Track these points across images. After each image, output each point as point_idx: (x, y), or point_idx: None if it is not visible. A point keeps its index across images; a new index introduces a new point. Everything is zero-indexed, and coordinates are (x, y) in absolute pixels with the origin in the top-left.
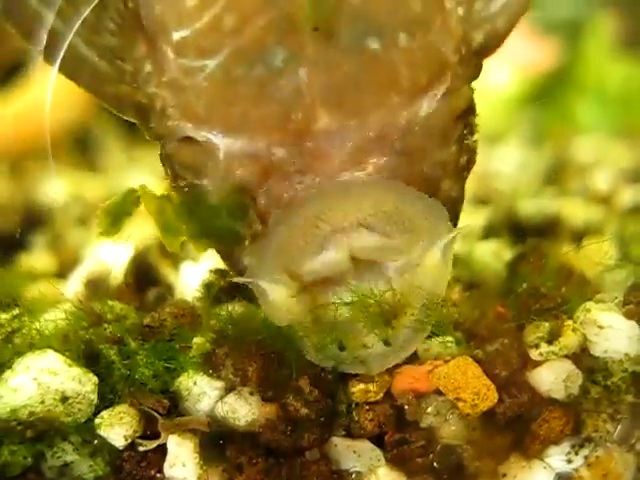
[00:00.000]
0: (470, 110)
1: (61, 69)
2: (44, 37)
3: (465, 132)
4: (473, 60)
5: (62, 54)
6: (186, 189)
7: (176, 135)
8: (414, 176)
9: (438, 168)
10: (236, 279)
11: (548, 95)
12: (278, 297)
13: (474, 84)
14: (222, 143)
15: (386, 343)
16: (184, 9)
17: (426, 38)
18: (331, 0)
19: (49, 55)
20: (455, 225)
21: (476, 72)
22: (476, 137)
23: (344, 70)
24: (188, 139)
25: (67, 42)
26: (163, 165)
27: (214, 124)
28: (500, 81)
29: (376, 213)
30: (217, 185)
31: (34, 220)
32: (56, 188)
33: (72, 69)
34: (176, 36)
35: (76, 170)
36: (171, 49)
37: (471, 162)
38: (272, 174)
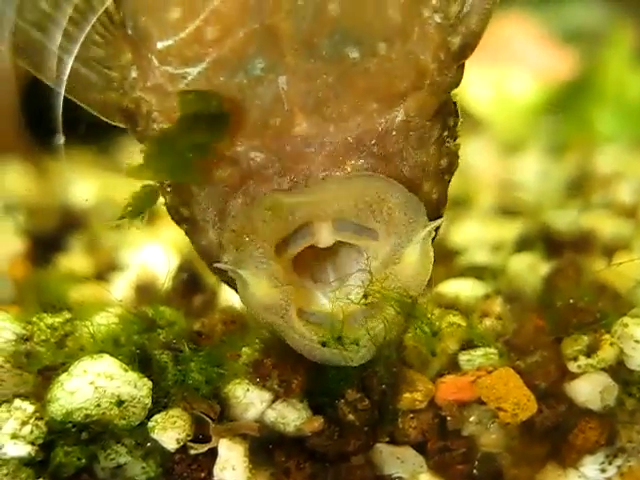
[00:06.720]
0: (449, 113)
1: (48, 79)
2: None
3: (445, 134)
4: (453, 65)
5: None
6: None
7: None
8: (394, 178)
9: (417, 170)
10: (219, 265)
11: (567, 105)
12: (258, 289)
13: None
14: None
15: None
16: (168, 21)
17: (405, 47)
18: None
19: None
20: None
21: (457, 78)
22: (458, 141)
23: (323, 78)
24: None
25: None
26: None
27: None
28: (519, 90)
29: (357, 203)
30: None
31: (69, 222)
32: (87, 191)
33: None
34: (160, 45)
35: (103, 172)
36: (155, 57)
37: (452, 165)
38: (251, 177)
